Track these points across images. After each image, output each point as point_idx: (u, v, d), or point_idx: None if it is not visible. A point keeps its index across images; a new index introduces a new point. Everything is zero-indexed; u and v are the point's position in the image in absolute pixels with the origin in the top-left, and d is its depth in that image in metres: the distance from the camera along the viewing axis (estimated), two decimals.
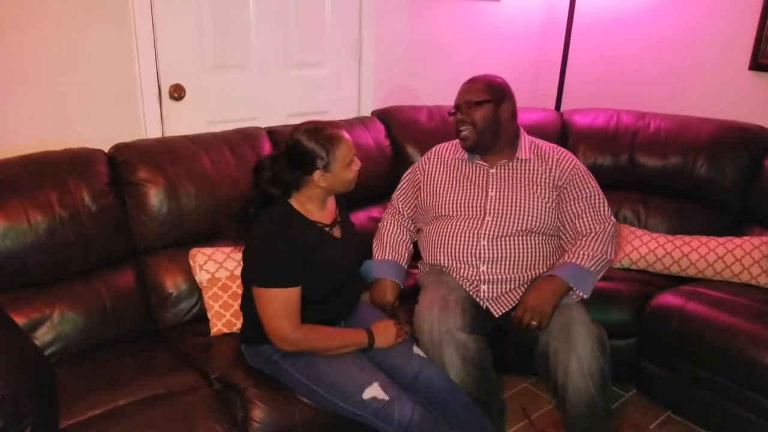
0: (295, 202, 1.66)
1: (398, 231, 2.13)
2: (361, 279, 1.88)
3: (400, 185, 2.22)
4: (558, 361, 1.76)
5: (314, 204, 1.68)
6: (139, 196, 1.93)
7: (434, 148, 2.19)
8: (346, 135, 1.63)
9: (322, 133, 1.60)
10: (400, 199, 2.19)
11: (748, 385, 1.93)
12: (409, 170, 2.23)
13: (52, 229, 1.74)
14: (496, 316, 1.95)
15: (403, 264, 2.08)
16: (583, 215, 1.97)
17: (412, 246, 2.15)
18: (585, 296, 1.87)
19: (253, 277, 1.61)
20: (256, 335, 1.67)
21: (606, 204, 2.01)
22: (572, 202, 1.98)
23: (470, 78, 2.03)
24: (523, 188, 1.98)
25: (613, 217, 2.00)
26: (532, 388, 2.35)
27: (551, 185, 1.99)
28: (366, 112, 2.82)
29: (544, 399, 2.25)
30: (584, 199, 1.99)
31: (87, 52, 2.08)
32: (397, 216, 2.17)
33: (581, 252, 1.90)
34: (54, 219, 1.75)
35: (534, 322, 1.81)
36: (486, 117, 1.95)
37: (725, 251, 2.28)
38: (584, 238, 1.93)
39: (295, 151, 1.60)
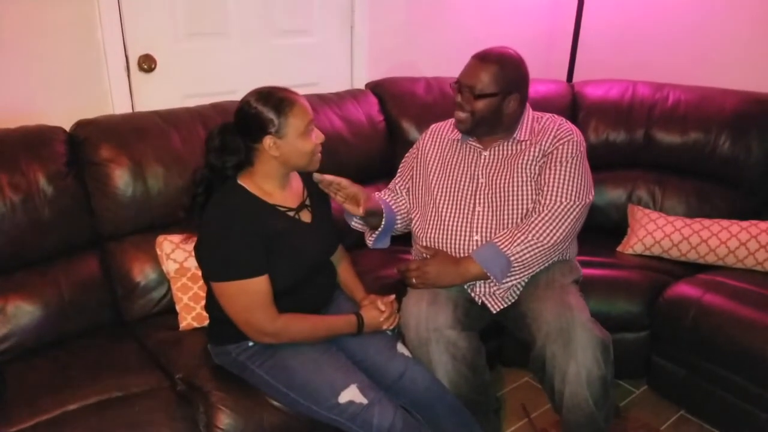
0: (249, 183, 1.51)
1: (388, 199, 1.96)
2: (334, 267, 1.73)
3: (398, 170, 2.06)
4: (555, 366, 1.61)
5: (272, 183, 1.53)
6: (102, 178, 1.80)
7: (431, 126, 2.02)
8: (302, 99, 1.50)
9: (273, 95, 1.47)
10: (397, 181, 2.03)
11: None
12: (407, 153, 2.06)
13: (2, 215, 1.62)
14: (494, 312, 1.80)
15: (390, 204, 1.92)
16: (546, 188, 1.74)
17: (399, 219, 1.95)
18: (499, 283, 1.71)
19: (210, 272, 1.48)
20: (221, 334, 1.56)
21: (576, 186, 1.73)
22: (546, 171, 1.76)
23: (483, 53, 1.76)
24: (514, 172, 1.79)
25: (578, 199, 1.73)
26: (533, 382, 2.22)
27: (540, 157, 1.79)
28: (359, 84, 2.66)
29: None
30: (557, 172, 1.74)
31: (42, 19, 1.92)
32: (389, 193, 2.01)
33: (514, 235, 1.70)
34: (3, 204, 1.63)
35: (414, 281, 1.75)
36: (486, 110, 1.74)
37: (749, 237, 2.12)
38: (531, 217, 1.73)
39: (243, 114, 1.47)
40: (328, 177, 1.61)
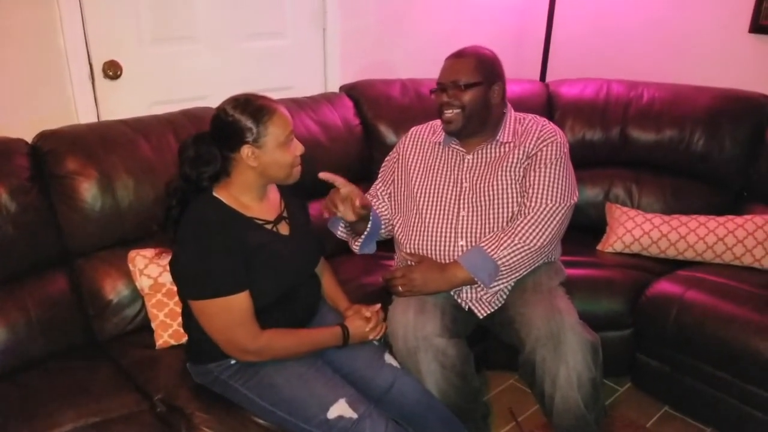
0: (226, 195, 1.44)
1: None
2: (318, 279, 1.67)
3: (379, 175, 2.02)
4: (545, 370, 1.60)
5: (250, 195, 1.47)
6: (68, 192, 1.71)
7: (411, 130, 1.99)
8: (282, 109, 1.44)
9: (252, 103, 1.40)
10: (378, 186, 1.98)
11: (753, 379, 1.81)
12: (387, 158, 2.02)
13: None
14: (481, 317, 1.77)
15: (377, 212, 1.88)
16: (531, 190, 1.73)
17: (383, 224, 1.91)
18: (486, 287, 1.69)
19: (187, 290, 1.41)
20: (201, 353, 1.48)
21: (561, 188, 1.73)
22: (530, 173, 1.74)
23: (457, 52, 1.78)
24: (499, 175, 1.77)
25: (563, 201, 1.72)
26: (519, 384, 2.20)
27: (524, 159, 1.77)
28: (333, 87, 2.61)
29: (532, 397, 2.09)
30: (541, 174, 1.73)
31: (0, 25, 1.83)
32: (371, 198, 1.95)
33: (500, 239, 1.68)
34: None
35: (400, 289, 1.70)
36: (476, 100, 1.73)
37: (726, 232, 2.13)
38: (516, 221, 1.71)
39: (220, 122, 1.40)
40: (329, 175, 1.59)
